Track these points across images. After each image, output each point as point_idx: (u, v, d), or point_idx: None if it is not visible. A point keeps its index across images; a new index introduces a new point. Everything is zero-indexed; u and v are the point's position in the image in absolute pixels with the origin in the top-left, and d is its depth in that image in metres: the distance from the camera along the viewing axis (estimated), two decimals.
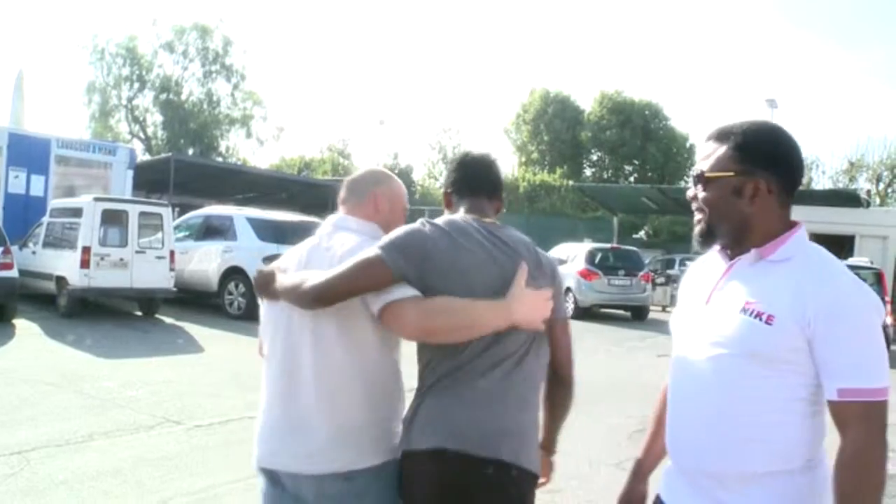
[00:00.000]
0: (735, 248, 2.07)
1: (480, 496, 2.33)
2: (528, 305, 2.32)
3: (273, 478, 2.61)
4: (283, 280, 2.53)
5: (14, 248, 13.39)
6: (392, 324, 2.33)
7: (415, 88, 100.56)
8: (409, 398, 2.50)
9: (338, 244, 2.58)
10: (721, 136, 2.07)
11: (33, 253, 14.60)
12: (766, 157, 2.01)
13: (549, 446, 2.73)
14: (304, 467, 2.46)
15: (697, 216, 2.10)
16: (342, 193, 2.88)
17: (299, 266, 2.61)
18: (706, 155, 2.08)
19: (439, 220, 2.52)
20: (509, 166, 52.42)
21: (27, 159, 18.56)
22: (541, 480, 2.58)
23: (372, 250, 2.33)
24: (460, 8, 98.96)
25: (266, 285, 2.61)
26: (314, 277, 2.37)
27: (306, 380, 2.46)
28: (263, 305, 2.73)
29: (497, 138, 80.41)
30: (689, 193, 2.12)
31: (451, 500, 2.32)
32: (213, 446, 6.63)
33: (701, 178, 2.06)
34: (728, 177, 2.02)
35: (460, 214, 2.59)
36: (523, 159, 53.74)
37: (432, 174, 57.89)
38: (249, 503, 5.29)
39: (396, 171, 36.62)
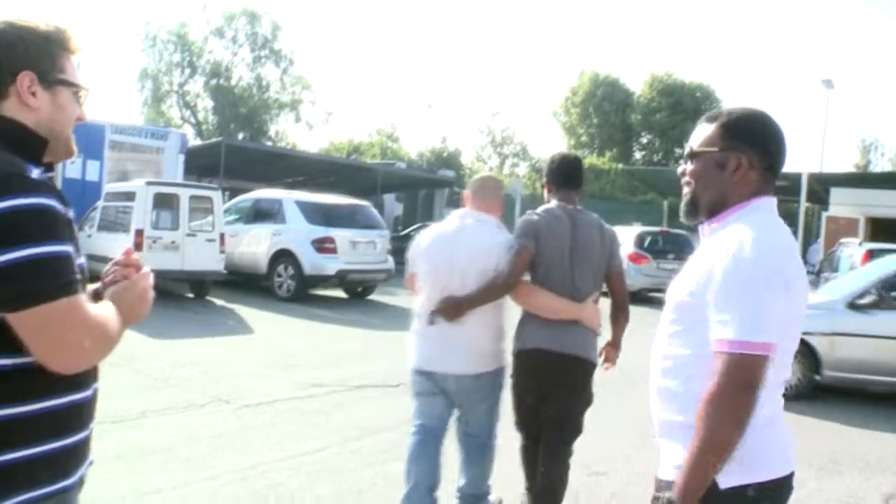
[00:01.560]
0: (711, 221, 2.24)
1: (562, 374, 4.20)
2: (589, 313, 4.23)
3: (427, 376, 4.34)
4: (462, 298, 4.15)
5: None
6: (515, 292, 4.21)
7: (463, 72, 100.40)
8: None
9: (483, 231, 4.31)
10: (711, 117, 2.28)
11: (89, 236, 14.86)
12: (748, 135, 2.19)
13: (615, 343, 4.52)
14: (451, 370, 4.25)
15: (685, 190, 2.29)
16: (469, 193, 4.48)
17: (443, 244, 4.29)
18: (697, 134, 2.28)
19: (541, 210, 4.31)
20: (558, 150, 52.15)
21: (83, 145, 18.74)
22: (606, 365, 4.51)
23: (519, 242, 4.17)
24: None
25: (456, 311, 4.16)
26: (487, 278, 4.16)
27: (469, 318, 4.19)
28: (423, 262, 4.36)
29: (546, 121, 79.94)
30: (679, 169, 2.33)
31: (545, 377, 4.22)
32: (260, 425, 6.73)
33: (690, 154, 2.27)
34: (713, 151, 2.21)
35: (554, 203, 4.35)
36: (572, 142, 53.34)
37: (481, 157, 57.81)
38: (294, 480, 5.42)
39: (445, 155, 36.67)
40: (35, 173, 1.65)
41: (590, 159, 46.98)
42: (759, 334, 1.93)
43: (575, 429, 4.35)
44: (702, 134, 2.25)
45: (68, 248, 1.64)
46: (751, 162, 2.17)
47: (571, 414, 4.31)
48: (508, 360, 4.42)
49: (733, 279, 1.99)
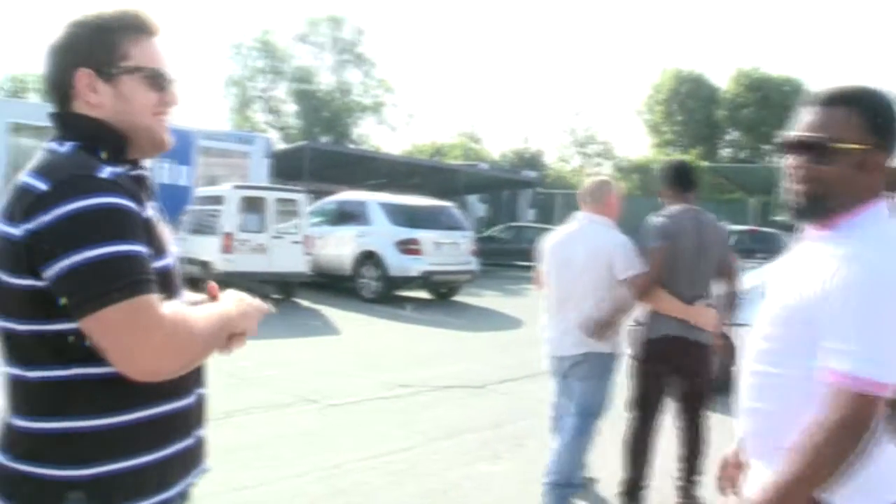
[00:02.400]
0: (826, 224, 1.91)
1: (690, 356, 4.77)
2: (705, 316, 4.72)
3: (553, 360, 4.91)
4: (608, 312, 4.65)
5: None
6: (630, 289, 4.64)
7: (545, 72, 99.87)
8: None
9: (595, 232, 4.81)
10: (838, 100, 1.88)
11: (181, 239, 15.17)
12: (890, 128, 1.86)
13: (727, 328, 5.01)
14: (566, 352, 4.78)
15: (799, 187, 1.91)
16: (583, 197, 4.96)
17: (562, 244, 4.89)
18: (820, 122, 1.88)
19: (667, 213, 4.79)
20: (643, 148, 51.48)
21: (173, 151, 18.83)
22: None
23: (655, 243, 4.65)
24: None
25: (607, 328, 4.67)
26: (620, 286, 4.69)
27: (570, 307, 4.73)
28: (547, 261, 4.96)
29: (629, 120, 79.12)
30: (792, 162, 1.93)
31: (676, 360, 4.77)
32: (345, 425, 6.77)
33: (818, 147, 1.87)
34: (859, 149, 1.84)
35: (678, 207, 4.82)
36: (656, 140, 52.56)
37: (563, 158, 57.42)
38: (378, 480, 5.41)
39: (527, 156, 36.53)
40: (105, 173, 1.58)
41: (674, 156, 46.27)
42: (884, 373, 1.68)
43: (705, 403, 4.96)
44: (832, 122, 1.86)
45: (137, 247, 1.54)
46: (884, 160, 1.86)
47: (703, 390, 4.93)
48: (620, 346, 4.86)
49: (864, 304, 1.70)
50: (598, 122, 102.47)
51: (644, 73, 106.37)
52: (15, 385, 1.63)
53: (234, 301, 1.82)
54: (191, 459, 1.79)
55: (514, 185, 36.07)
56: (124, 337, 1.49)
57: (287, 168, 25.56)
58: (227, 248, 14.03)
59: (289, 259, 14.71)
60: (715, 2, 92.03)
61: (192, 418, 1.79)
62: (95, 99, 1.68)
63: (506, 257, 27.80)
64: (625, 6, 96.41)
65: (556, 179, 47.09)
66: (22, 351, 1.60)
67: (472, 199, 34.13)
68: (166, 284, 1.66)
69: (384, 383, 8.23)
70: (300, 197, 15.46)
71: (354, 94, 54.32)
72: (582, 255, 4.74)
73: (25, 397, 1.61)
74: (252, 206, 14.74)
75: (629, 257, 4.68)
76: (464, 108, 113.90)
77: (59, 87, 1.70)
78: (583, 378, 4.77)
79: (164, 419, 1.68)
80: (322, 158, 26.15)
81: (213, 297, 1.84)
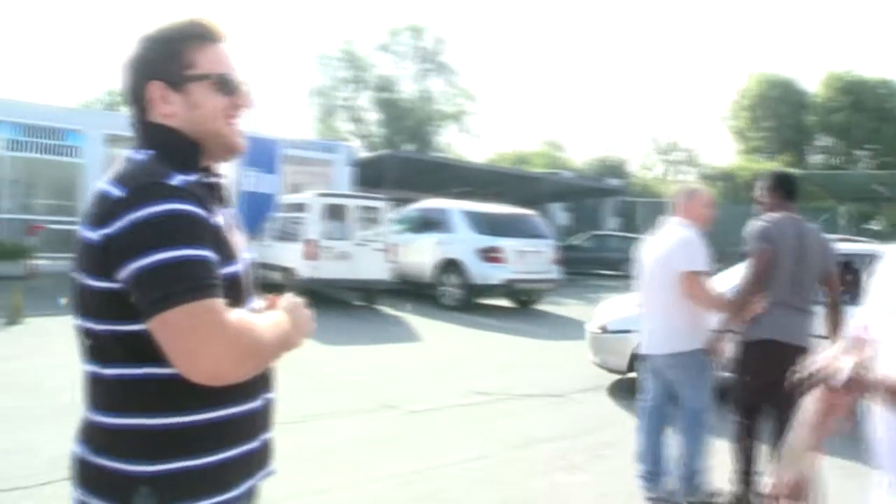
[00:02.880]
0: None
1: (787, 360, 4.12)
2: (750, 308, 4.80)
3: (647, 357, 5.20)
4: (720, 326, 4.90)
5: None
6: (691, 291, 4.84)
7: (628, 79, 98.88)
8: None
9: (670, 235, 5.03)
10: None
11: (266, 246, 15.46)
12: None
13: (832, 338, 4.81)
14: (655, 350, 5.07)
15: None
16: (672, 204, 5.22)
17: (646, 249, 5.22)
18: None
19: (770, 220, 4.88)
20: (728, 155, 50.53)
21: (259, 160, 19.74)
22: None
23: (757, 246, 4.79)
24: None
25: (717, 342, 4.88)
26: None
27: (654, 307, 5.10)
28: (638, 263, 5.28)
29: (714, 126, 77.70)
30: None
31: (778, 365, 4.21)
32: (425, 431, 6.82)
33: None
34: None
35: (780, 215, 4.92)
36: (742, 147, 51.53)
37: (647, 166, 56.74)
38: (457, 486, 5.43)
39: (611, 164, 36.24)
40: (177, 180, 1.63)
41: (761, 164, 45.27)
42: None
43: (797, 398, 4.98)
44: None
45: (204, 252, 1.58)
46: None
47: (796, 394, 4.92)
48: (707, 341, 4.94)
49: None
50: (682, 129, 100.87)
51: (729, 78, 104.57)
52: (92, 381, 1.71)
53: (288, 312, 1.83)
54: (256, 462, 1.83)
55: (598, 194, 35.78)
56: (186, 339, 1.53)
57: (370, 176, 25.82)
58: (310, 255, 14.23)
59: (371, 266, 14.85)
60: (804, 4, 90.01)
61: (258, 422, 1.83)
62: (168, 108, 1.75)
63: (588, 266, 27.62)
64: (709, 11, 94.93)
65: (639, 187, 46.56)
66: (99, 349, 1.68)
67: (555, 207, 34.00)
68: (234, 290, 1.70)
69: (464, 390, 8.25)
70: (382, 205, 15.62)
71: (437, 102, 54.62)
72: (652, 259, 5.12)
73: (101, 393, 1.70)
74: (335, 213, 14.94)
75: (688, 253, 4.88)
76: (547, 117, 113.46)
77: (136, 99, 1.78)
78: (680, 381, 5.06)
79: (229, 421, 1.72)
80: (404, 166, 26.32)
81: (272, 307, 1.87)
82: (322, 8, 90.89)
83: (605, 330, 8.47)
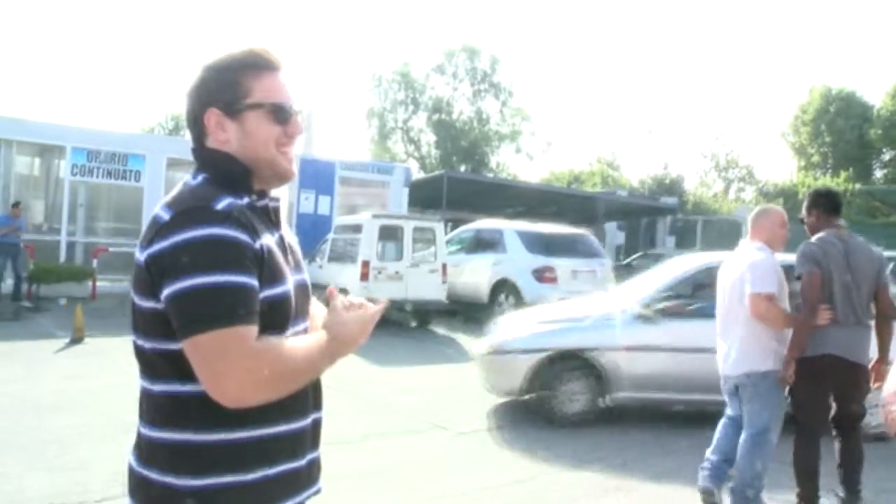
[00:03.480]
0: None
1: (848, 375, 4.90)
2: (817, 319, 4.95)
3: (724, 378, 5.25)
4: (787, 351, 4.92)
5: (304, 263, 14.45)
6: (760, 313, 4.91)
7: (684, 95, 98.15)
8: None
9: (741, 256, 5.15)
10: None
11: (320, 267, 15.61)
12: None
13: (882, 359, 4.99)
14: (729, 371, 5.15)
15: None
16: (747, 224, 5.35)
17: (724, 272, 5.29)
18: None
19: (815, 239, 5.04)
20: (787, 171, 49.77)
21: (315, 181, 19.99)
22: (876, 384, 4.90)
23: (806, 269, 4.89)
24: (728, 9, 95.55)
25: (788, 366, 4.89)
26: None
27: (728, 329, 5.16)
28: (716, 285, 5.37)
29: (773, 143, 76.66)
30: None
31: (834, 377, 4.93)
32: (475, 452, 6.85)
33: None
34: None
35: (824, 233, 5.05)
36: (803, 163, 50.76)
37: (704, 182, 56.19)
38: None
39: (667, 181, 35.88)
40: (223, 204, 1.69)
41: (823, 180, 44.53)
42: None
43: (859, 420, 5.17)
44: None
45: (241, 278, 1.62)
46: None
47: (858, 409, 5.14)
48: (779, 363, 5.00)
49: None
50: (741, 145, 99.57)
51: (789, 93, 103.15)
52: (143, 396, 1.80)
53: (338, 325, 1.82)
54: (301, 480, 1.87)
55: (653, 212, 35.58)
56: (213, 363, 1.60)
57: (425, 197, 26.01)
58: (364, 276, 14.35)
59: (425, 287, 14.91)
60: (867, 15, 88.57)
61: (304, 441, 1.87)
62: (223, 135, 1.81)
63: None
64: (768, 26, 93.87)
65: (696, 205, 46.11)
66: (148, 366, 1.76)
67: (611, 226, 33.86)
68: (281, 312, 1.75)
69: (515, 411, 8.24)
70: (437, 225, 15.68)
71: (492, 123, 54.79)
72: (726, 279, 5.20)
73: (150, 408, 1.77)
74: (390, 234, 15.06)
75: (758, 275, 4.91)
76: (602, 135, 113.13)
77: (195, 125, 1.85)
78: (749, 400, 5.09)
79: (275, 439, 1.77)
80: (460, 187, 26.47)
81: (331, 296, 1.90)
82: (378, 31, 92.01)
83: (498, 350, 8.02)
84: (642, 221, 36.43)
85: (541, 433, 7.42)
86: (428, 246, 15.47)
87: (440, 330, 15.03)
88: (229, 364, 1.59)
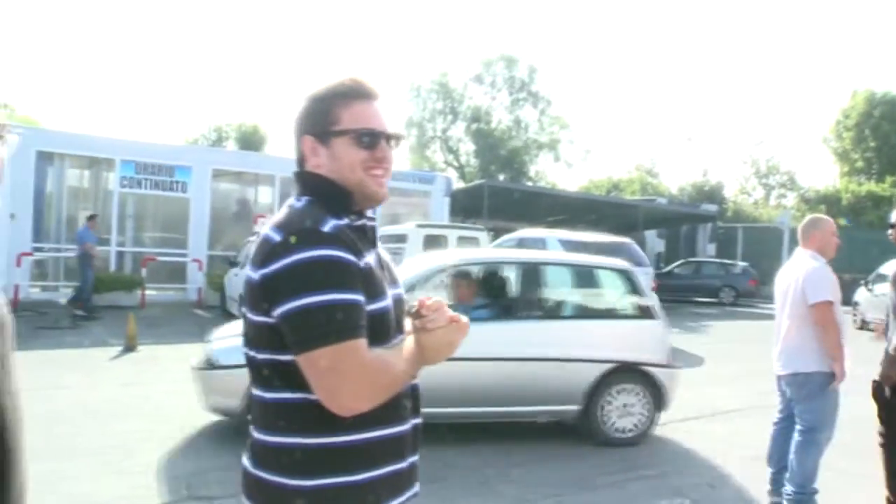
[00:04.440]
0: None
1: None
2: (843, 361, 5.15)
3: (778, 378, 5.47)
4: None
5: None
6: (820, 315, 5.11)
7: (723, 102, 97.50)
8: None
9: (796, 264, 5.36)
10: None
11: None
12: None
13: None
14: (780, 371, 5.37)
15: None
16: (799, 234, 5.51)
17: (780, 279, 5.50)
18: None
19: None
20: (830, 177, 49.21)
21: None
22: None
23: None
24: (769, 14, 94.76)
25: (841, 370, 5.08)
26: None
27: (782, 333, 5.36)
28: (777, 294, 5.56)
29: (815, 148, 75.75)
30: None
31: None
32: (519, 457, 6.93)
33: None
34: None
35: None
36: (846, 169, 50.06)
37: (745, 190, 55.76)
38: None
39: (706, 189, 35.63)
40: (329, 226, 1.80)
41: (867, 186, 43.98)
42: None
43: None
44: None
45: (350, 296, 1.74)
46: None
47: None
48: (830, 364, 5.15)
49: None
50: (782, 151, 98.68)
51: (831, 97, 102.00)
52: (255, 404, 1.92)
53: (421, 337, 1.89)
54: (403, 482, 1.97)
55: (693, 220, 35.47)
56: (328, 377, 1.73)
57: (466, 206, 26.13)
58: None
59: None
60: None
61: (406, 444, 1.97)
62: (315, 160, 1.94)
63: (684, 293, 27.32)
64: (809, 29, 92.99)
65: (736, 212, 45.81)
66: (261, 376, 1.88)
67: (650, 234, 33.76)
68: (382, 325, 1.87)
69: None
70: (481, 234, 15.81)
71: (530, 131, 54.86)
72: (786, 285, 5.37)
73: (262, 414, 1.90)
74: (434, 243, 15.14)
75: (816, 285, 5.12)
76: (641, 143, 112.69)
77: (297, 152, 1.99)
78: (801, 399, 5.28)
79: (380, 442, 1.88)
80: (499, 196, 26.58)
81: (419, 312, 1.93)
82: (417, 41, 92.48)
83: (212, 365, 6.94)
84: (682, 229, 36.31)
85: (589, 442, 7.52)
86: None
87: None
88: (343, 376, 1.72)
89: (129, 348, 11.76)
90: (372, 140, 1.94)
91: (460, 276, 7.66)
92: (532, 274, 7.73)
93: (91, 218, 16.55)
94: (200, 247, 20.07)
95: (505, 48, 54.31)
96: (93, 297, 16.14)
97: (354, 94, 1.96)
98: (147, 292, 17.76)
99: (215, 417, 7.15)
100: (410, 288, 7.09)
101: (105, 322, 14.95)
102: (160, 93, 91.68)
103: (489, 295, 7.71)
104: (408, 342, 1.92)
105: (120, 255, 19.69)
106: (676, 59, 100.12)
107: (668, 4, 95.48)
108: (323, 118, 1.93)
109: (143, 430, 7.17)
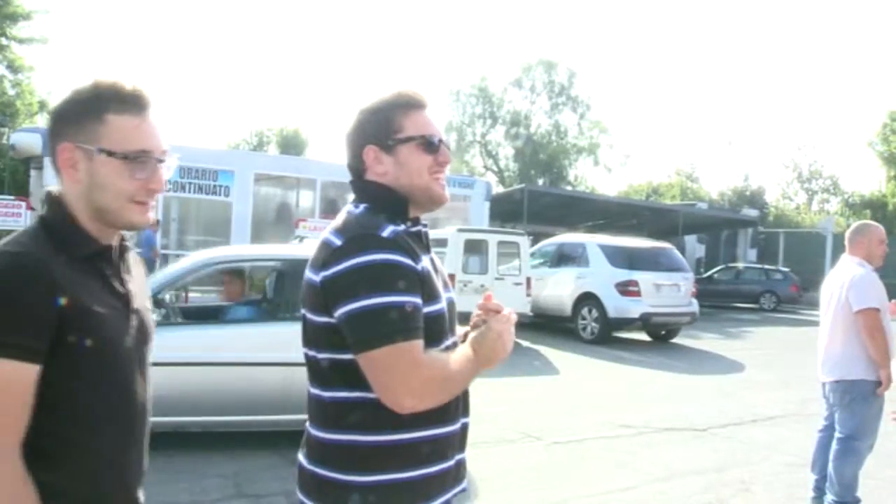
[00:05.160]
0: None
1: None
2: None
3: (822, 385, 5.45)
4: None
5: None
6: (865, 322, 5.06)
7: (764, 105, 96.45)
8: None
9: (840, 270, 5.33)
10: None
11: None
12: None
13: None
14: (823, 377, 5.34)
15: None
16: (846, 240, 5.52)
17: (825, 285, 5.46)
18: None
19: None
20: (875, 182, 48.41)
21: None
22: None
23: None
24: (812, 16, 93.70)
25: (887, 379, 5.09)
26: None
27: (825, 339, 5.35)
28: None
29: (860, 152, 74.67)
30: None
31: None
32: (569, 462, 7.00)
33: None
34: None
35: None
36: (892, 173, 49.13)
37: (786, 195, 55.13)
38: None
39: (747, 193, 35.26)
40: (387, 231, 1.88)
41: None
42: None
43: None
44: None
45: (408, 298, 1.82)
46: None
47: None
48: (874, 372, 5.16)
49: None
50: (825, 156, 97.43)
51: (877, 100, 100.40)
52: (313, 401, 2.00)
53: (478, 339, 1.98)
54: (451, 479, 2.04)
55: (734, 225, 35.17)
56: (387, 376, 1.81)
57: (505, 210, 26.15)
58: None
59: (510, 300, 14.75)
60: None
61: (455, 443, 2.05)
62: (381, 168, 2.01)
63: (725, 299, 27.18)
64: (854, 31, 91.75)
65: (778, 217, 45.29)
66: (320, 374, 1.96)
67: (691, 239, 33.56)
68: (437, 326, 1.95)
69: (606, 423, 8.38)
70: (522, 239, 15.83)
71: (569, 136, 54.71)
72: (831, 292, 5.36)
73: (320, 412, 1.97)
74: (474, 248, 15.26)
75: (860, 292, 5.10)
76: (681, 147, 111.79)
77: (355, 161, 2.06)
78: (841, 405, 5.28)
79: (432, 441, 1.95)
80: (539, 200, 26.57)
81: (488, 305, 2.06)
82: (456, 46, 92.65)
83: None
84: (723, 234, 36.03)
85: (637, 443, 7.56)
86: (512, 259, 15.64)
87: (525, 342, 15.18)
88: (402, 375, 1.80)
89: None
90: (434, 145, 2.04)
91: (229, 273, 7.55)
92: (290, 273, 6.93)
93: (155, 223, 17.02)
94: None
95: (544, 52, 54.50)
96: None
97: (413, 103, 2.04)
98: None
99: None
100: (172, 283, 6.99)
101: None
102: (203, 98, 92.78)
103: (255, 293, 7.57)
104: (465, 349, 1.98)
105: (164, 257, 19.98)
106: (717, 62, 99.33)
107: (710, 7, 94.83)
108: (386, 127, 2.01)
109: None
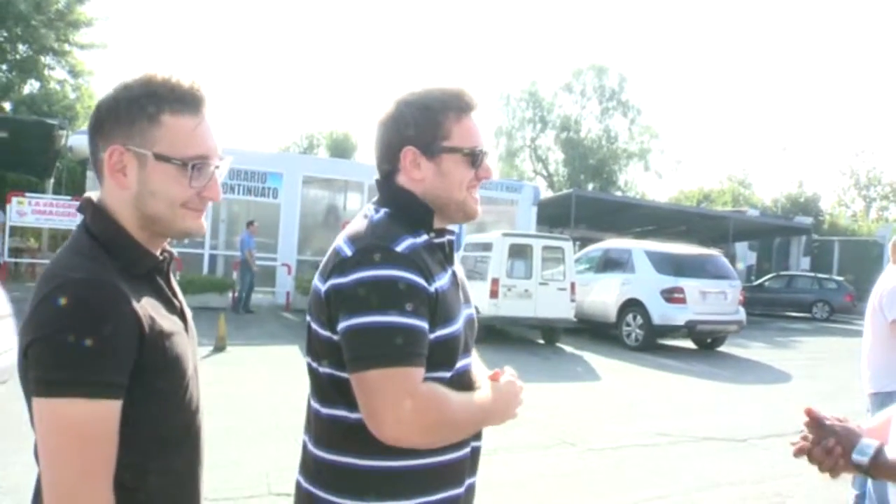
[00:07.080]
0: None
1: None
2: None
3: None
4: None
5: None
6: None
7: (821, 110, 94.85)
8: None
9: (883, 280, 5.06)
10: None
11: None
12: None
13: None
14: (868, 389, 5.09)
15: None
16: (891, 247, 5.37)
17: (871, 295, 5.15)
18: None
19: None
20: None
21: None
22: None
23: None
24: (870, 18, 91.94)
25: None
26: None
27: (867, 349, 5.14)
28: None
29: None
30: None
31: None
32: (604, 469, 6.94)
33: None
34: None
35: None
36: None
37: (842, 202, 54.14)
38: None
39: (801, 200, 34.79)
40: (403, 245, 1.73)
41: None
42: None
43: None
44: None
45: (411, 320, 1.67)
46: None
47: None
48: None
49: None
50: (884, 161, 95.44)
51: None
52: (313, 415, 1.87)
53: (499, 391, 1.91)
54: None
55: (786, 232, 34.65)
56: (374, 400, 1.65)
57: (553, 215, 26.10)
58: (494, 294, 14.56)
59: (554, 305, 15.04)
60: None
61: (464, 469, 1.89)
62: (418, 174, 1.85)
63: (776, 308, 26.80)
64: None
65: (833, 225, 44.51)
66: (319, 388, 1.83)
67: (741, 246, 33.17)
68: (448, 351, 1.79)
69: (644, 431, 8.32)
70: (567, 244, 15.78)
71: (620, 141, 54.36)
72: (873, 302, 5.20)
73: (318, 428, 1.84)
74: (519, 252, 15.25)
75: (892, 301, 4.92)
76: (733, 153, 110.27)
77: (388, 159, 1.89)
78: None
79: (436, 468, 1.80)
80: (588, 206, 26.47)
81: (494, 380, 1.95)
82: (507, 51, 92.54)
83: None
84: (775, 242, 35.53)
85: (675, 452, 7.49)
86: (557, 264, 15.58)
87: (568, 348, 15.13)
88: (389, 402, 1.64)
89: (219, 349, 12.11)
90: (479, 159, 1.90)
91: None
92: None
93: (251, 224, 17.85)
94: (290, 252, 20.53)
95: (595, 57, 54.08)
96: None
97: (464, 107, 1.88)
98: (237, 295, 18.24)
99: (296, 416, 7.34)
100: None
101: (197, 322, 15.37)
102: (255, 101, 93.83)
103: None
104: (482, 397, 1.87)
105: (213, 258, 20.27)
106: (771, 66, 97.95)
107: (763, 10, 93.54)
108: (433, 131, 1.84)
109: (228, 426, 7.37)
